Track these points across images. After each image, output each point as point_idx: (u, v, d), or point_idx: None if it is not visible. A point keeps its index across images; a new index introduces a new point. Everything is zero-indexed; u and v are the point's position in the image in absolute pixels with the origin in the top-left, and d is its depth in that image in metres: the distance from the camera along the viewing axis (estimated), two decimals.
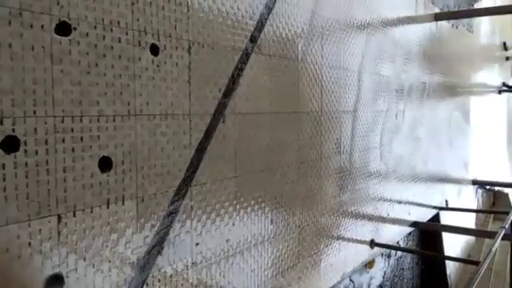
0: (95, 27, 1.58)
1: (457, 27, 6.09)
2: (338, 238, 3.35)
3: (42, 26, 1.42)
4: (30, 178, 1.41)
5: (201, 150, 2.06)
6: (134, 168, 1.75)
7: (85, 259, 1.58)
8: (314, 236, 3.02)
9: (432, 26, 5.10)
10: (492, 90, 8.82)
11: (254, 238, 2.43)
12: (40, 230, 1.44)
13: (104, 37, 1.61)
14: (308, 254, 2.96)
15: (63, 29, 1.48)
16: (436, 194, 5.63)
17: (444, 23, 5.44)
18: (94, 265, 1.61)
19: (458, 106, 6.43)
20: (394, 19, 4.10)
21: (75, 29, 1.51)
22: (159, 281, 1.87)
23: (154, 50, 1.82)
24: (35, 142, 1.42)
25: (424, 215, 5.26)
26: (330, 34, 3.06)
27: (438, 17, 5.11)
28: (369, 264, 4.18)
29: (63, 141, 1.50)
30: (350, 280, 4.02)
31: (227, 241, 2.24)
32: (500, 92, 9.31)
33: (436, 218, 5.62)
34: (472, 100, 7.14)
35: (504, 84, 9.34)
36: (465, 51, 6.64)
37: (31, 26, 1.39)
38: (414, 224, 4.90)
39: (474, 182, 7.37)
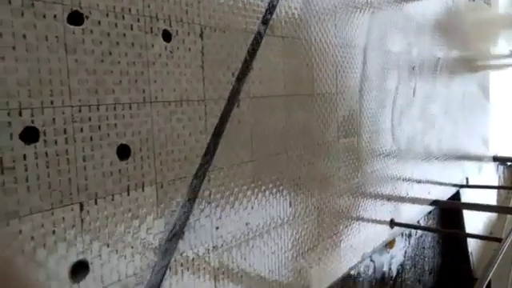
0: (107, 15, 1.58)
1: (474, 0, 5.92)
2: (358, 218, 3.34)
3: (55, 16, 1.42)
4: (50, 168, 1.43)
5: (217, 135, 2.06)
6: (152, 155, 1.76)
7: (108, 245, 1.60)
8: (333, 217, 3.01)
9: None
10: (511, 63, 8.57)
11: (273, 220, 2.44)
12: (63, 218, 1.47)
13: (116, 24, 1.61)
14: (327, 235, 2.97)
15: (76, 18, 1.48)
16: (456, 172, 5.56)
17: None
18: (117, 251, 1.63)
19: (477, 82, 6.29)
20: None
21: (87, 18, 1.52)
22: (181, 265, 1.90)
23: (167, 36, 1.81)
24: (54, 132, 1.44)
25: (444, 193, 5.20)
26: (343, 12, 3.01)
27: None
28: (389, 244, 4.17)
29: (81, 130, 1.52)
30: (371, 260, 4.02)
31: (247, 224, 2.26)
32: None
33: (456, 195, 5.56)
34: (491, 75, 6.97)
35: None
36: (482, 25, 6.46)
37: (44, 17, 1.40)
38: (435, 202, 4.85)
39: (495, 159, 7.24)
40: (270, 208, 2.42)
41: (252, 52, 2.24)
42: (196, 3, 1.92)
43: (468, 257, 5.99)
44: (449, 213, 5.79)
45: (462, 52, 5.50)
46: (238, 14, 2.14)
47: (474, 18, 6.02)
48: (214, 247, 2.06)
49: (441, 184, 5.08)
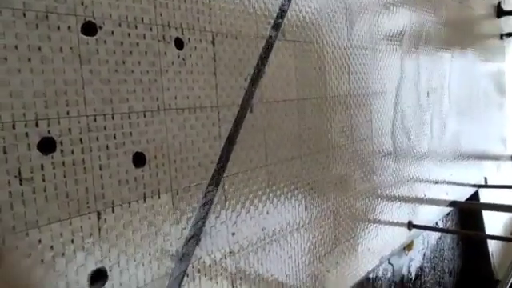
0: (120, 25, 1.59)
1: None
2: (375, 221, 3.31)
3: (69, 27, 1.45)
4: (68, 177, 1.45)
5: (231, 140, 2.07)
6: (167, 162, 1.77)
7: (126, 253, 1.61)
8: (349, 221, 2.99)
9: None
10: None
11: (289, 225, 2.43)
12: (81, 227, 1.49)
13: (129, 34, 1.63)
14: (345, 238, 2.94)
15: (89, 29, 1.50)
16: (474, 172, 5.47)
17: None
18: (135, 258, 1.64)
19: (493, 79, 6.19)
20: None
21: (101, 28, 1.54)
22: (199, 271, 1.90)
23: (179, 44, 1.82)
24: (70, 142, 1.46)
25: (462, 194, 5.12)
26: (355, 14, 2.99)
27: None
28: (407, 246, 4.13)
29: (97, 139, 1.53)
30: (389, 263, 3.98)
31: (263, 229, 2.25)
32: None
33: (475, 196, 5.46)
34: (507, 71, 6.85)
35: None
36: (494, 22, 6.37)
37: (58, 28, 1.42)
38: (453, 204, 4.78)
39: None
40: (286, 212, 2.41)
41: (264, 57, 2.24)
42: (207, 10, 1.94)
43: (489, 258, 5.88)
44: (468, 213, 5.70)
45: (476, 49, 5.42)
46: (249, 20, 2.15)
47: (484, 13, 5.93)
48: (230, 253, 2.06)
49: (459, 184, 5.01)
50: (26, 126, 1.35)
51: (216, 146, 1.99)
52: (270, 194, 2.30)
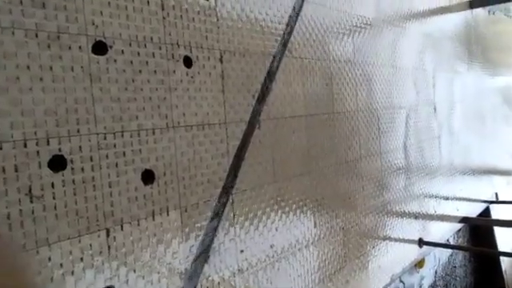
0: (130, 44, 1.62)
1: (493, 13, 5.87)
2: (385, 238, 3.27)
3: (80, 47, 1.47)
4: (78, 195, 1.46)
5: (239, 157, 2.07)
6: (176, 179, 1.78)
7: (135, 271, 1.61)
8: (359, 237, 2.96)
9: (467, 14, 4.94)
10: None
11: (298, 242, 2.41)
12: (90, 244, 1.49)
13: (139, 53, 1.65)
14: (354, 256, 2.91)
15: (100, 48, 1.53)
16: (485, 188, 5.41)
17: (480, 10, 5.26)
18: (143, 276, 1.63)
19: (502, 95, 6.17)
20: (427, 11, 3.99)
21: (111, 47, 1.56)
22: None
23: (188, 62, 1.85)
24: (81, 160, 1.47)
25: (473, 210, 5.06)
26: (361, 30, 3.02)
27: (472, 4, 4.95)
28: (419, 264, 4.06)
29: (107, 157, 1.54)
30: (401, 281, 3.91)
31: (271, 246, 2.23)
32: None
33: (486, 212, 5.39)
34: None
35: None
36: (503, 38, 6.38)
37: (69, 48, 1.44)
38: (464, 220, 4.72)
39: None
40: (295, 229, 2.40)
41: (271, 74, 2.26)
42: (215, 29, 1.96)
43: (502, 275, 5.77)
44: (479, 230, 5.62)
45: (484, 66, 5.42)
46: (256, 38, 2.17)
47: (494, 33, 5.95)
48: (239, 270, 2.04)
49: (469, 200, 4.95)
50: (37, 144, 1.36)
51: (224, 163, 1.99)
52: (279, 211, 2.29)
